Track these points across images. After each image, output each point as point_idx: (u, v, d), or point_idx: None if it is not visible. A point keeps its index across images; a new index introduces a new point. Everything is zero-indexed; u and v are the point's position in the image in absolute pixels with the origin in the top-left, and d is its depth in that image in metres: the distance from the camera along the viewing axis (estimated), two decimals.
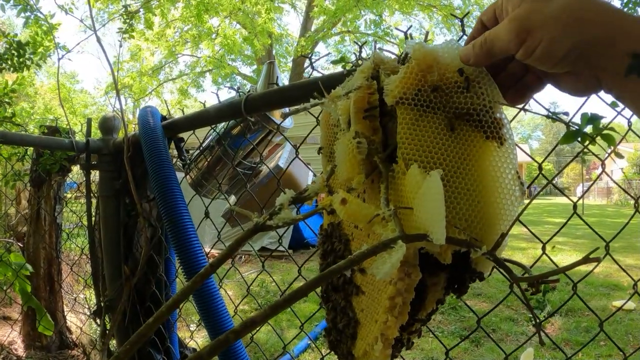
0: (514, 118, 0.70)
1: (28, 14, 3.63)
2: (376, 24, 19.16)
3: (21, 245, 4.04)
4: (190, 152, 1.60)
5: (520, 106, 0.65)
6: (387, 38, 20.72)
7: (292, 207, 0.64)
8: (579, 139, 0.69)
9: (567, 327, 4.27)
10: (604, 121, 0.67)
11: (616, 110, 0.70)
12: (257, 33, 17.18)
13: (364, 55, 0.80)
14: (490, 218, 0.56)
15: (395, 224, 0.51)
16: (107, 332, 1.97)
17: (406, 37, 0.76)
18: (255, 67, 21.71)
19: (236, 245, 0.55)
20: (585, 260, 0.45)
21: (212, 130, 1.44)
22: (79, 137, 2.15)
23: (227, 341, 0.48)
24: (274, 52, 21.75)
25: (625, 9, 2.70)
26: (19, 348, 3.56)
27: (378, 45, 0.75)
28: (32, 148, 2.78)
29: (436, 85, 0.58)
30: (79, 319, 4.01)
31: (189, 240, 1.19)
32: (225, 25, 18.09)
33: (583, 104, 0.72)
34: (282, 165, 1.39)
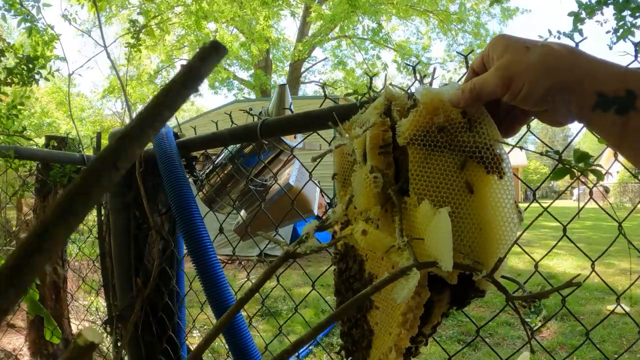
0: (510, 151, 0.77)
1: (28, 24, 3.70)
2: (374, 31, 19.28)
3: None
4: (200, 171, 1.67)
5: (514, 142, 0.73)
6: (384, 42, 20.86)
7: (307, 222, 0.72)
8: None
9: (562, 331, 4.35)
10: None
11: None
12: (255, 39, 17.29)
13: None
14: (491, 243, 0.64)
15: (409, 254, 0.59)
16: (118, 342, 2.04)
17: (414, 72, 0.84)
18: (252, 71, 21.76)
19: (270, 271, 0.62)
20: (568, 284, 0.52)
21: (225, 149, 1.51)
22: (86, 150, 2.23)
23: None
24: (270, 56, 21.84)
25: (620, 32, 2.78)
26: (25, 356, 3.60)
27: (389, 81, 0.83)
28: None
29: (442, 126, 0.66)
30: (83, 327, 4.06)
31: (208, 254, 1.26)
32: (224, 31, 18.17)
33: (572, 139, 0.80)
34: (292, 183, 1.47)
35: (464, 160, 0.64)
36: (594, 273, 0.98)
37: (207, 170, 1.57)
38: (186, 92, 0.28)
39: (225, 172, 1.48)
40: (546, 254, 0.95)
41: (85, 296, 4.55)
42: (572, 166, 0.68)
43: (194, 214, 1.30)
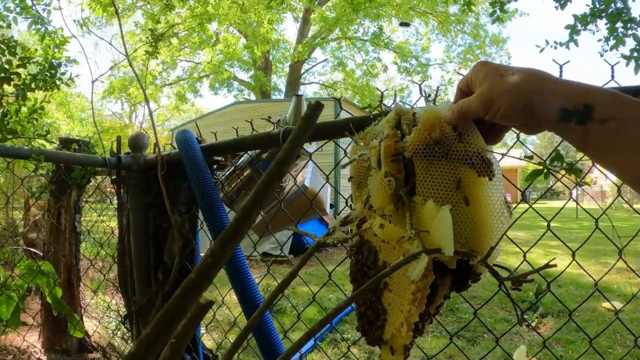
0: (501, 159, 0.91)
1: (39, 26, 3.83)
2: (375, 35, 19.39)
3: (34, 251, 4.23)
4: (219, 173, 1.81)
5: (500, 150, 0.87)
6: (385, 45, 20.98)
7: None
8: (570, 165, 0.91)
9: (558, 327, 4.49)
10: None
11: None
12: (259, 41, 17.44)
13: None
14: (484, 235, 0.78)
15: (418, 242, 0.73)
16: (139, 336, 2.17)
17: (421, 93, 0.98)
18: (252, 72, 21.90)
19: (302, 262, 0.76)
20: (546, 266, 0.66)
21: (245, 153, 1.65)
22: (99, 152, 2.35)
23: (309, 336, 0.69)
24: (270, 57, 21.96)
25: (613, 41, 2.93)
26: (39, 352, 3.71)
27: (398, 99, 0.97)
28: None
29: (438, 139, 0.80)
30: (94, 324, 4.19)
31: (237, 255, 1.40)
32: (228, 34, 18.31)
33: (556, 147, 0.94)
34: (307, 184, 1.61)
35: (459, 179, 0.78)
36: (592, 269, 1.10)
37: (227, 173, 1.71)
38: (302, 141, 0.42)
39: (245, 174, 1.62)
40: (534, 245, 1.08)
41: (92, 295, 4.66)
42: (546, 166, 0.82)
43: (221, 211, 1.44)
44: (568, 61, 1.14)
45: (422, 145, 0.81)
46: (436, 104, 0.92)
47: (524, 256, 1.06)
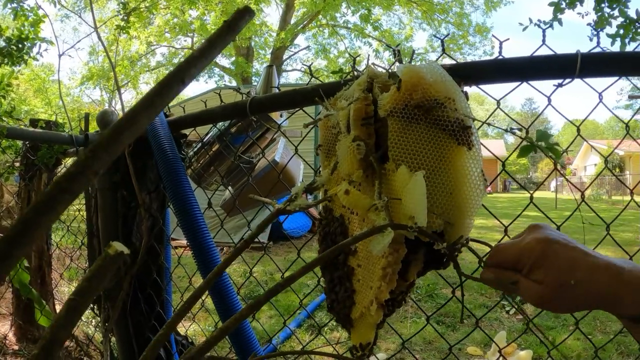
0: (479, 127, 0.85)
1: (14, 5, 3.67)
2: (363, 17, 19.10)
3: None
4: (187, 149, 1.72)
5: (483, 119, 0.80)
6: (367, 31, 20.87)
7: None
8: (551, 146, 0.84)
9: (537, 313, 4.49)
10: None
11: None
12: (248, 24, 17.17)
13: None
14: (461, 206, 0.71)
15: (385, 215, 0.66)
16: (107, 320, 2.08)
17: (395, 54, 0.91)
18: (233, 59, 21.62)
19: (258, 230, 0.69)
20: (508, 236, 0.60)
21: (213, 127, 1.57)
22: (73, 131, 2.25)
23: (242, 316, 0.62)
24: (252, 44, 21.71)
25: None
26: (11, 342, 3.60)
27: (370, 58, 0.89)
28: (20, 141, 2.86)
29: (419, 102, 0.73)
30: None
31: (200, 229, 1.32)
32: (218, 11, 17.97)
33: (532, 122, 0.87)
34: (278, 159, 1.53)
35: (446, 134, 0.72)
36: None
37: (196, 149, 1.63)
38: (224, 44, 0.34)
39: (213, 149, 1.54)
40: (514, 220, 1.03)
41: (68, 283, 4.55)
42: (533, 143, 0.75)
43: (186, 189, 1.36)
44: (550, 25, 1.07)
45: (401, 105, 0.73)
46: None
47: (505, 231, 1.00)
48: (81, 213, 2.73)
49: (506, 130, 0.80)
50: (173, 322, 0.68)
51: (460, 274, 0.68)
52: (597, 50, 0.92)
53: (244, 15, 0.33)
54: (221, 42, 0.33)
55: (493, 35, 1.03)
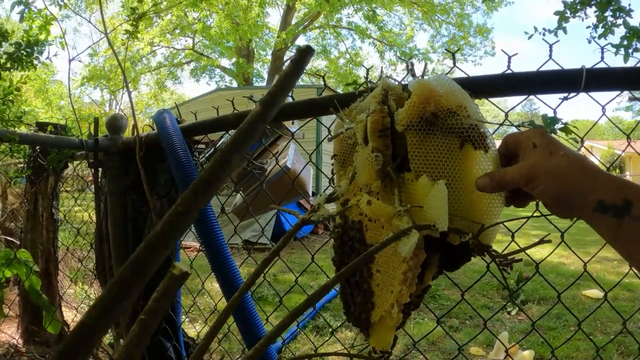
0: (495, 131, 0.88)
1: (22, 7, 3.69)
2: (367, 17, 19.09)
3: (12, 240, 4.12)
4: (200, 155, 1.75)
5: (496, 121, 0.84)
6: (369, 32, 20.91)
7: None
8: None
9: (540, 314, 4.53)
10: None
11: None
12: (251, 25, 17.26)
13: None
14: (481, 210, 0.75)
15: (408, 218, 0.69)
16: (118, 325, 2.10)
17: (408, 67, 0.94)
18: (234, 60, 21.66)
19: (285, 240, 0.72)
20: (541, 242, 0.64)
21: (226, 134, 1.60)
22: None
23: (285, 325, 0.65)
24: (253, 45, 21.76)
25: (602, 30, 2.92)
26: (18, 344, 3.62)
27: (385, 73, 0.93)
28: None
29: (433, 113, 0.76)
30: (73, 314, 4.11)
31: (216, 234, 1.36)
32: (221, 14, 18.01)
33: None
34: (289, 165, 1.57)
35: (462, 141, 0.75)
36: (574, 257, 1.08)
37: (208, 154, 1.66)
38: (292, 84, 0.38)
39: None
40: (520, 227, 1.06)
41: (71, 285, 4.57)
42: (548, 125, 0.80)
43: None
44: (558, 40, 1.11)
45: (416, 118, 0.77)
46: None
47: (512, 236, 1.04)
48: (90, 216, 2.76)
49: (517, 126, 0.83)
50: (210, 335, 0.71)
51: (494, 257, 0.71)
52: (601, 65, 0.95)
53: (306, 54, 0.36)
54: (289, 83, 0.36)
55: (502, 50, 1.06)
